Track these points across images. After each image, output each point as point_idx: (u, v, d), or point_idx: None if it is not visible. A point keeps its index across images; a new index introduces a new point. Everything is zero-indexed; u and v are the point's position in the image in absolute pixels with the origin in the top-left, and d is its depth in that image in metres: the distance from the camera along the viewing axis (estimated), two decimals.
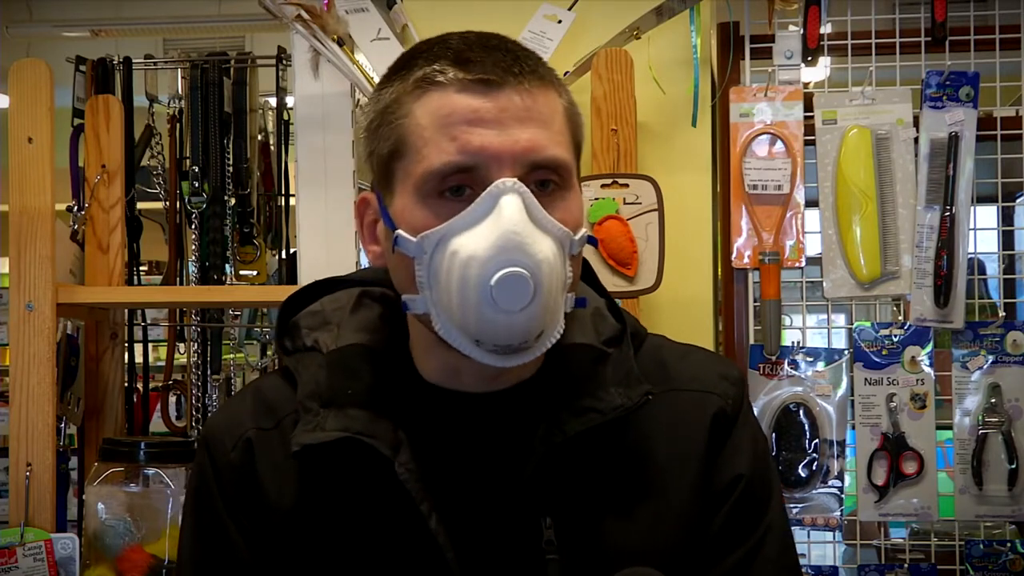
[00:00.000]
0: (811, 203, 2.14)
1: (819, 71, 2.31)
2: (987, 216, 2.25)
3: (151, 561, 1.80)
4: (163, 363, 2.81)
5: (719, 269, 2.27)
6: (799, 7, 2.13)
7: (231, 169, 2.49)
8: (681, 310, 2.18)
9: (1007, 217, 2.43)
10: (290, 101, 2.37)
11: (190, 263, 2.54)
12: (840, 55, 2.19)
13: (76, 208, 2.11)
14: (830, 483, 2.10)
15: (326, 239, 2.02)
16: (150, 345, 2.64)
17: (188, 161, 2.53)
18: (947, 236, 2.07)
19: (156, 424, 2.65)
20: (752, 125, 2.13)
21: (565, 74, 2.09)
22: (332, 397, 1.11)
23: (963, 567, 2.11)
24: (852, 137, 2.11)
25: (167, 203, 2.56)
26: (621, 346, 1.14)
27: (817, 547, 2.22)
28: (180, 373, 2.76)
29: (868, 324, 2.12)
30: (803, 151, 2.13)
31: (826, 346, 2.16)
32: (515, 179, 1.01)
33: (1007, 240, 2.47)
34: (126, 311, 2.36)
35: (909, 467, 2.10)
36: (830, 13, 2.17)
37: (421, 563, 1.07)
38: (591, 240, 1.10)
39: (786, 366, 2.12)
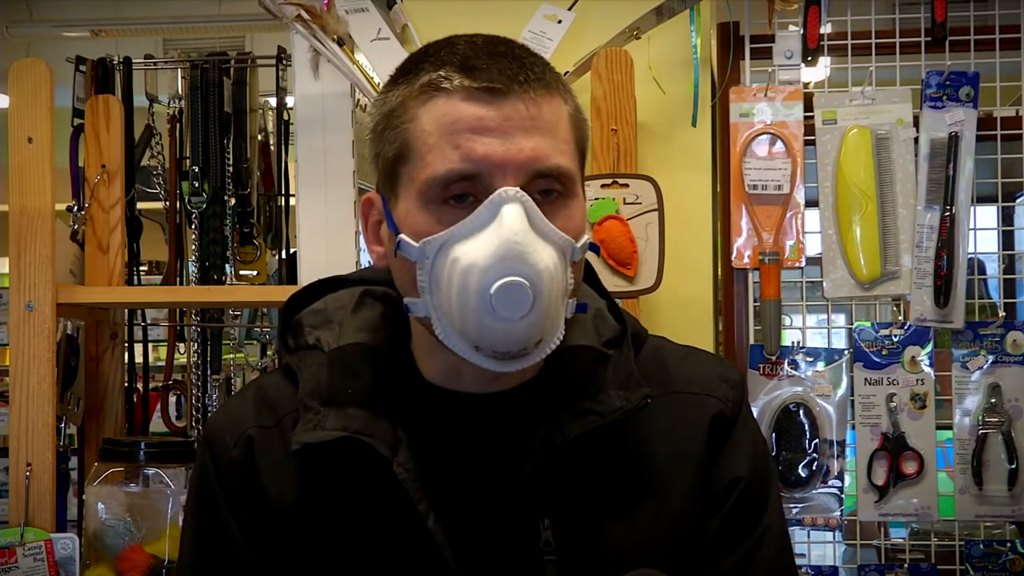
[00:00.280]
0: (811, 203, 2.14)
1: (819, 71, 2.31)
2: (987, 216, 2.25)
3: (151, 561, 1.80)
4: (163, 363, 2.81)
5: (719, 269, 2.27)
6: (799, 7, 2.13)
7: (231, 169, 2.49)
8: (681, 310, 2.18)
9: (1007, 217, 2.43)
10: (290, 101, 2.37)
11: (190, 263, 2.54)
12: (840, 55, 2.19)
13: (76, 208, 2.11)
14: (830, 483, 2.10)
15: (326, 239, 2.02)
16: (150, 345, 2.64)
17: (188, 161, 2.53)
18: (947, 236, 2.07)
19: (156, 424, 2.65)
20: (752, 125, 2.13)
21: (565, 74, 2.09)
22: (332, 396, 1.11)
23: (963, 567, 2.11)
24: (852, 137, 2.11)
25: (167, 203, 2.57)
26: (621, 348, 1.15)
27: (817, 547, 2.22)
28: (180, 373, 2.76)
29: (868, 324, 2.12)
30: (803, 151, 2.13)
31: (826, 346, 2.15)
32: (517, 188, 1.02)
33: (1007, 240, 2.47)
34: (126, 311, 2.36)
35: (909, 467, 2.10)
36: (830, 13, 2.17)
37: (419, 562, 1.08)
38: (593, 247, 1.11)
39: (786, 366, 2.12)
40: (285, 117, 2.61)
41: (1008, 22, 2.16)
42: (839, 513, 2.11)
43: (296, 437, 1.10)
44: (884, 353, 2.11)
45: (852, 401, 2.12)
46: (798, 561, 2.15)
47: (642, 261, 1.97)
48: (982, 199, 2.14)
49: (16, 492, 1.83)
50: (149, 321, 2.64)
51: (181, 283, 2.57)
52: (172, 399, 2.72)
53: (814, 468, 2.10)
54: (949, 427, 2.14)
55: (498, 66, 1.05)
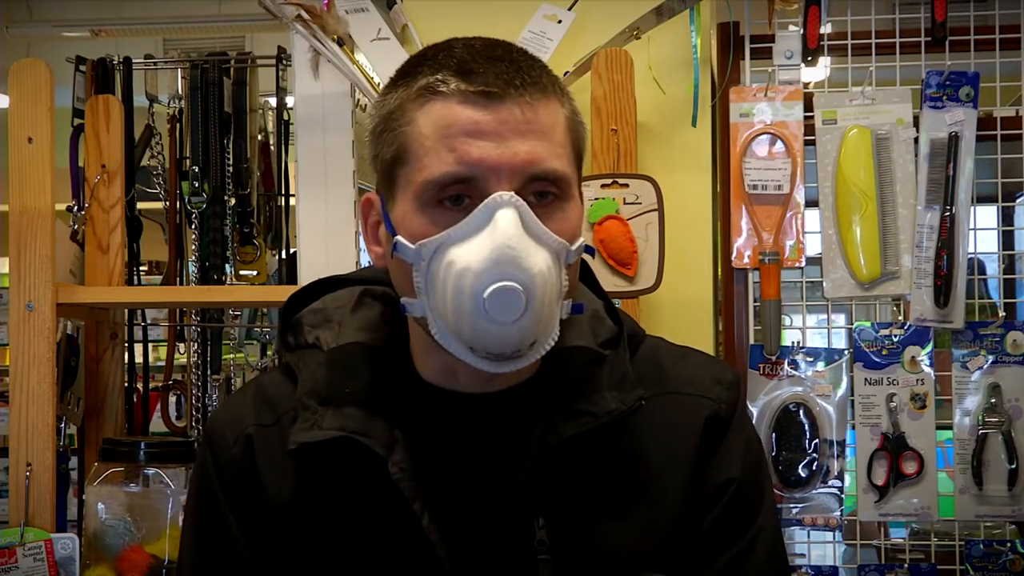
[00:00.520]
0: (811, 203, 2.14)
1: (819, 71, 2.31)
2: (987, 216, 2.25)
3: (151, 561, 1.80)
4: (163, 363, 2.81)
5: (719, 269, 2.27)
6: (799, 7, 2.13)
7: (231, 169, 2.49)
8: (681, 310, 2.18)
9: (1007, 217, 2.43)
10: (290, 101, 2.37)
11: (190, 263, 2.54)
12: (840, 55, 2.19)
13: (76, 208, 2.11)
14: (830, 483, 2.10)
15: (326, 239, 2.02)
16: (150, 345, 2.64)
17: (188, 161, 2.53)
18: (947, 236, 2.07)
19: (156, 424, 2.65)
20: (752, 125, 2.13)
21: (565, 74, 2.09)
22: (330, 395, 1.12)
23: (963, 567, 2.11)
24: (852, 137, 2.11)
25: (167, 203, 2.57)
26: (617, 349, 1.15)
27: (817, 547, 2.22)
28: (180, 373, 2.76)
29: (868, 324, 2.12)
30: (803, 151, 2.13)
31: (826, 346, 2.15)
32: (512, 192, 1.03)
33: (1007, 240, 2.47)
34: (126, 311, 2.37)
35: (909, 467, 2.10)
36: (830, 13, 2.17)
37: (414, 561, 1.09)
38: (588, 249, 1.11)
39: (786, 366, 2.12)
40: (285, 117, 2.61)
41: (1008, 22, 2.16)
42: (839, 513, 2.11)
43: (293, 436, 1.11)
44: (884, 353, 2.11)
45: (852, 401, 2.12)
46: (798, 561, 2.17)
47: (642, 261, 1.97)
48: (982, 199, 2.14)
49: (16, 492, 1.83)
50: (149, 321, 2.64)
51: (181, 283, 2.57)
52: (172, 399, 2.72)
53: (814, 468, 2.10)
54: (949, 427, 2.14)
55: (495, 70, 1.05)
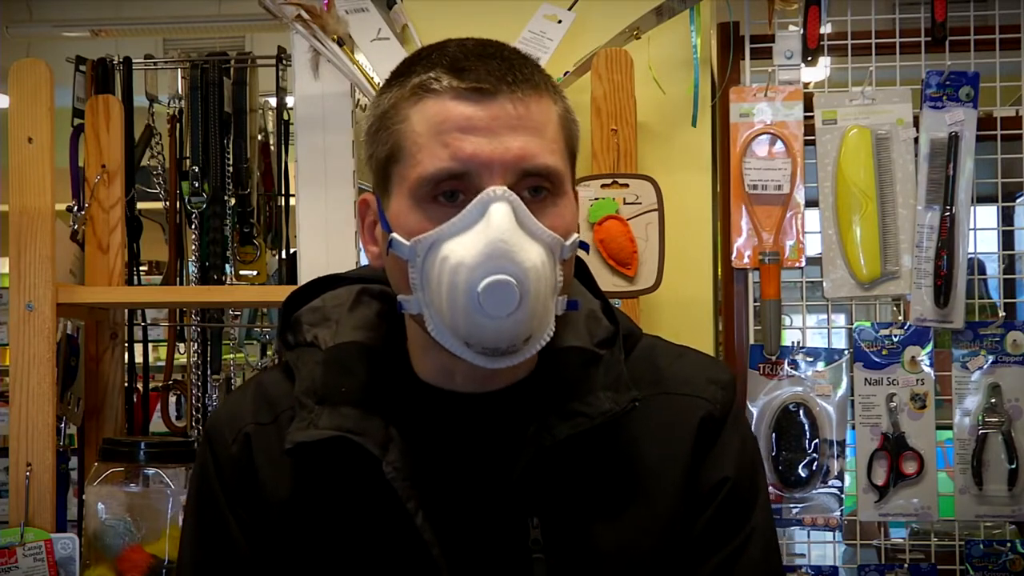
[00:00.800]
0: (811, 203, 2.14)
1: (819, 71, 2.31)
2: (987, 216, 2.25)
3: (151, 561, 1.80)
4: (163, 363, 2.81)
5: (719, 269, 2.27)
6: (799, 7, 2.13)
7: (231, 169, 2.49)
8: (681, 310, 2.18)
9: (1007, 217, 2.43)
10: (290, 101, 2.37)
11: (190, 263, 2.54)
12: (840, 55, 2.18)
13: (76, 208, 2.11)
14: (830, 483, 2.10)
15: (326, 239, 2.02)
16: (150, 345, 2.64)
17: (188, 161, 2.53)
18: (947, 236, 2.07)
19: (156, 424, 2.66)
20: (752, 125, 2.13)
21: (565, 74, 2.08)
22: (327, 394, 1.13)
23: (963, 567, 2.11)
24: (852, 137, 2.11)
25: (167, 203, 2.57)
26: (613, 349, 1.16)
27: (817, 547, 2.22)
28: (180, 373, 2.76)
29: (868, 324, 2.12)
30: (803, 151, 2.13)
31: (826, 346, 2.15)
32: (505, 187, 1.03)
33: (1007, 240, 2.46)
34: (126, 311, 2.37)
35: (909, 467, 2.09)
36: (830, 13, 2.17)
37: (409, 559, 1.09)
38: (583, 245, 1.12)
39: (786, 366, 2.12)
40: (285, 117, 2.61)
41: (1008, 22, 2.16)
42: (839, 513, 2.11)
43: (290, 436, 1.12)
44: (884, 353, 2.11)
45: (852, 401, 2.12)
46: (798, 561, 2.17)
47: (642, 261, 1.97)
48: (982, 199, 2.14)
49: (16, 492, 1.83)
50: (149, 321, 2.64)
51: (181, 283, 2.57)
52: (172, 399, 2.72)
53: (814, 468, 2.10)
54: (949, 427, 2.14)
55: (487, 67, 1.06)
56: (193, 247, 2.54)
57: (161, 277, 2.81)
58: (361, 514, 1.12)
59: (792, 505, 2.10)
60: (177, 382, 2.70)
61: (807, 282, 2.17)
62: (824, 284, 2.13)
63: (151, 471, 1.83)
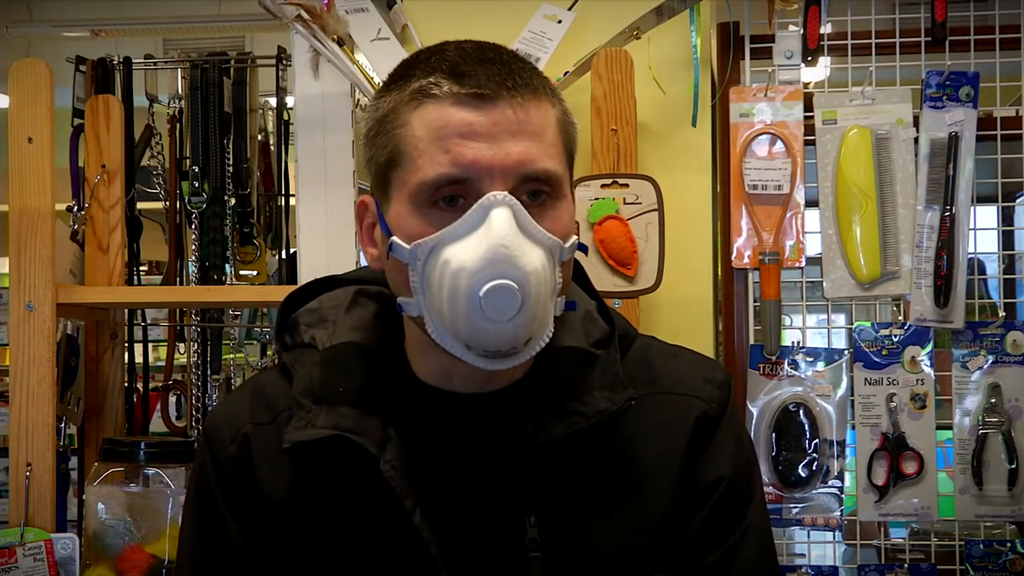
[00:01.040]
0: (811, 203, 2.14)
1: (819, 71, 2.31)
2: (987, 216, 2.25)
3: (151, 561, 1.81)
4: (163, 363, 2.81)
5: (719, 269, 2.27)
6: (799, 7, 2.13)
7: (231, 169, 2.49)
8: (681, 310, 2.18)
9: (1007, 217, 2.43)
10: (290, 101, 2.37)
11: (190, 263, 2.54)
12: (840, 55, 2.18)
13: (76, 208, 2.11)
14: (830, 483, 2.10)
15: (326, 239, 2.02)
16: (150, 345, 2.64)
17: (188, 161, 2.53)
18: (947, 236, 2.07)
19: (156, 424, 2.66)
20: (752, 125, 2.13)
21: (565, 74, 2.08)
22: (324, 394, 1.13)
23: (963, 567, 2.11)
24: (852, 137, 2.11)
25: (167, 203, 2.57)
26: (609, 349, 1.16)
27: (817, 547, 2.22)
28: (180, 373, 2.76)
29: (868, 324, 2.12)
30: (803, 151, 2.13)
31: (826, 346, 2.15)
32: (506, 192, 1.04)
33: (1007, 240, 2.46)
34: (126, 311, 2.37)
35: (909, 467, 2.09)
36: (830, 13, 2.17)
37: (407, 557, 1.10)
38: (581, 247, 1.13)
39: (786, 366, 2.12)
40: (285, 117, 2.61)
41: (1008, 22, 2.16)
42: (839, 513, 2.11)
43: (288, 435, 1.12)
44: (884, 353, 2.11)
45: (852, 401, 2.12)
46: (798, 561, 2.17)
47: (642, 261, 1.97)
48: (982, 199, 2.14)
49: (16, 492, 1.83)
50: (149, 321, 2.64)
51: (181, 283, 2.57)
52: (172, 399, 2.72)
53: (814, 468, 2.10)
54: (949, 427, 2.14)
55: (486, 72, 1.06)
56: (193, 247, 2.54)
57: (161, 277, 2.81)
58: (359, 513, 1.12)
59: (792, 505, 2.10)
60: (177, 382, 2.70)
61: (807, 282, 2.17)
62: (824, 284, 2.13)
63: (151, 471, 1.83)
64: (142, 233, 2.56)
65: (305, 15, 1.91)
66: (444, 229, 1.04)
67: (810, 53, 2.13)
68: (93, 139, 2.12)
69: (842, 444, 2.11)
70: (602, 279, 1.96)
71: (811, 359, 2.12)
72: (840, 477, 2.11)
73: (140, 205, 2.54)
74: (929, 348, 2.10)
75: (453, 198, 1.06)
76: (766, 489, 2.08)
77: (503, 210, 1.03)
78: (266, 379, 1.23)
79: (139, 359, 2.57)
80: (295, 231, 2.12)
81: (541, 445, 1.09)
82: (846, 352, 2.13)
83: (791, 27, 2.15)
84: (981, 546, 2.10)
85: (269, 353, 2.75)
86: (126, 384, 2.34)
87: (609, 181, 1.98)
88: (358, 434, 1.10)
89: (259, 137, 2.61)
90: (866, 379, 2.11)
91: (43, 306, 1.86)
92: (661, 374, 1.20)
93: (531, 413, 1.12)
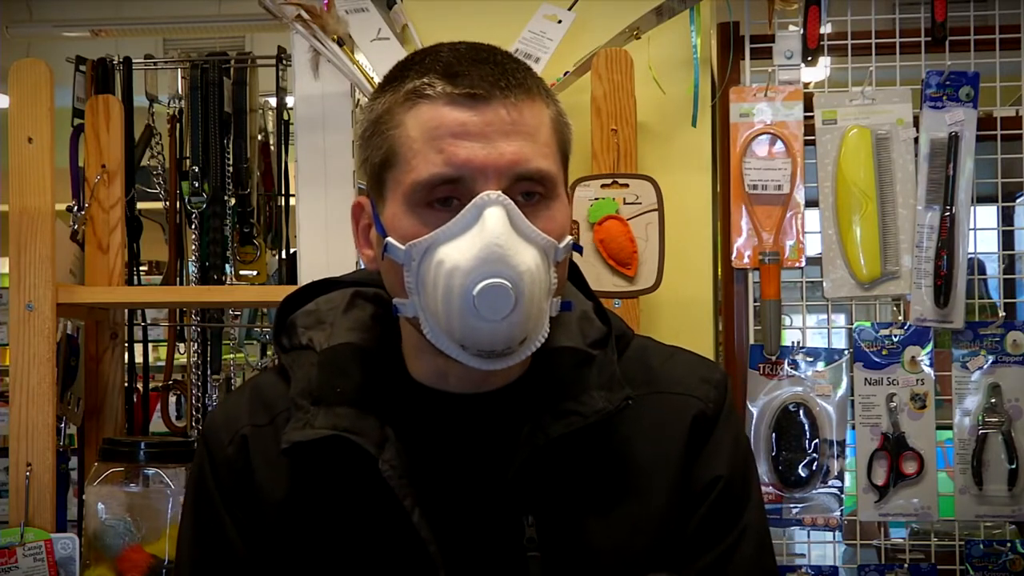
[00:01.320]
0: (811, 203, 2.14)
1: (819, 71, 2.31)
2: (987, 216, 2.25)
3: (151, 561, 1.81)
4: (163, 363, 2.81)
5: (719, 269, 2.27)
6: (799, 7, 2.13)
7: (231, 169, 2.49)
8: (681, 310, 2.18)
9: (1007, 217, 2.43)
10: (290, 101, 2.37)
11: (190, 263, 2.54)
12: (840, 55, 2.18)
13: (76, 208, 2.11)
14: (830, 483, 2.10)
15: (326, 239, 2.02)
16: (150, 345, 2.64)
17: (188, 161, 2.53)
18: (947, 236, 2.07)
19: (156, 424, 2.66)
20: (752, 125, 2.13)
21: (565, 74, 2.09)
22: (322, 395, 1.13)
23: (963, 567, 2.11)
24: (852, 137, 2.11)
25: (167, 203, 2.57)
26: (606, 349, 1.17)
27: (817, 547, 2.22)
28: (180, 373, 2.76)
29: (868, 324, 2.12)
30: (803, 151, 2.13)
31: (826, 346, 2.15)
32: (499, 191, 1.04)
33: (1007, 240, 2.47)
34: (126, 311, 2.36)
35: (909, 467, 2.10)
36: (830, 13, 2.17)
37: (406, 557, 1.10)
38: (576, 247, 1.13)
39: (786, 366, 2.12)
40: (285, 117, 2.61)
41: (1008, 22, 2.16)
42: (839, 513, 2.11)
43: (286, 436, 1.12)
44: (884, 353, 2.11)
45: (852, 401, 2.12)
46: (798, 561, 2.17)
47: (642, 261, 1.97)
48: (982, 199, 2.14)
49: (16, 492, 1.83)
50: (149, 321, 2.64)
51: (181, 283, 2.57)
52: (172, 399, 2.72)
53: (814, 468, 2.10)
54: (949, 427, 2.14)
55: (480, 72, 1.07)
56: (193, 247, 2.54)
57: (161, 277, 2.81)
58: (358, 513, 1.12)
59: (792, 505, 2.10)
60: (177, 382, 2.70)
61: (807, 282, 2.17)
62: (824, 284, 2.13)
63: (151, 471, 1.83)
64: (142, 233, 2.56)
65: (305, 15, 1.91)
66: (438, 229, 1.05)
67: (810, 53, 2.13)
68: (93, 139, 2.12)
69: (842, 444, 2.11)
70: (602, 279, 1.96)
71: (811, 359, 2.12)
72: (840, 477, 2.11)
73: (140, 205, 2.54)
74: (929, 348, 2.10)
75: (447, 198, 1.06)
76: (766, 489, 2.08)
77: (496, 209, 1.03)
78: (264, 381, 1.24)
79: (139, 359, 2.57)
80: (295, 231, 2.12)
81: (539, 445, 1.10)
82: (846, 352, 2.13)
83: (791, 27, 2.15)
84: (981, 546, 2.10)
85: (269, 353, 2.75)
86: (126, 384, 2.34)
87: (609, 181, 1.98)
88: (356, 434, 1.10)
89: (259, 137, 2.61)
90: (866, 379, 2.11)
91: (43, 306, 1.86)
92: (658, 374, 1.20)
93: (528, 413, 1.12)
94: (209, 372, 2.56)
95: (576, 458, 1.12)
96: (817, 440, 2.10)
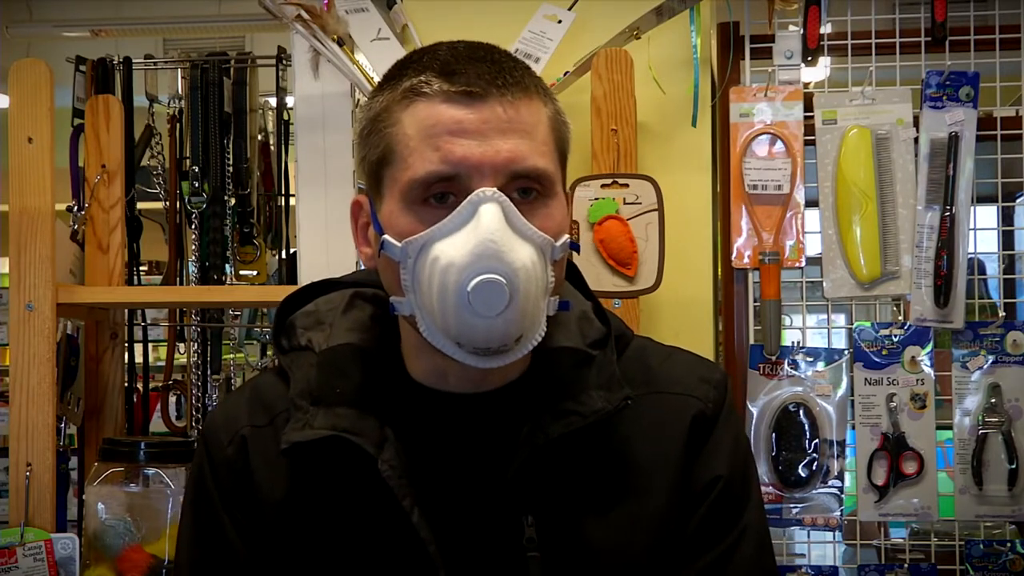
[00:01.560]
0: (811, 203, 2.14)
1: (819, 71, 2.31)
2: (987, 216, 2.25)
3: (151, 561, 1.81)
4: (163, 363, 2.81)
5: (719, 269, 2.27)
6: (799, 7, 2.13)
7: (231, 169, 2.49)
8: (681, 310, 2.18)
9: (1007, 217, 2.43)
10: (290, 101, 2.37)
11: (190, 263, 2.54)
12: (840, 55, 2.18)
13: (76, 208, 2.11)
14: (830, 483, 2.10)
15: (326, 239, 2.02)
16: (150, 345, 2.64)
17: (188, 161, 2.53)
18: (947, 236, 2.07)
19: (156, 424, 2.66)
20: (752, 125, 2.13)
21: (565, 74, 2.09)
22: (321, 395, 1.14)
23: (963, 567, 2.11)
24: (852, 137, 2.11)
25: (167, 203, 2.57)
26: (605, 349, 1.16)
27: (817, 547, 2.22)
28: (180, 373, 2.76)
29: (868, 324, 2.12)
30: (803, 151, 2.13)
31: (826, 346, 2.15)
32: (495, 189, 1.04)
33: (1007, 240, 2.46)
34: (126, 311, 2.37)
35: (909, 467, 2.10)
36: (830, 13, 2.17)
37: (405, 556, 1.10)
38: (574, 246, 1.13)
39: (786, 366, 2.12)
40: (285, 117, 2.61)
41: (1008, 22, 2.16)
42: (839, 513, 2.11)
43: (285, 436, 1.12)
44: (884, 353, 2.11)
45: (852, 401, 2.12)
46: (798, 561, 2.17)
47: (642, 261, 1.97)
48: (982, 199, 2.14)
49: (16, 492, 1.83)
50: (149, 321, 2.64)
51: (181, 283, 2.57)
52: (172, 399, 2.72)
53: (814, 468, 2.10)
54: (949, 427, 2.14)
55: (476, 70, 1.07)
56: (193, 247, 2.54)
57: (161, 277, 2.81)
58: (357, 513, 1.12)
59: (792, 505, 2.10)
60: (177, 382, 2.70)
61: (807, 282, 2.17)
62: (824, 284, 2.13)
63: (151, 471, 1.83)
64: (142, 233, 2.56)
65: (305, 15, 1.91)
66: (434, 226, 1.05)
67: (810, 53, 2.13)
68: (93, 139, 2.12)
69: (842, 444, 2.11)
70: (602, 279, 1.96)
71: (811, 359, 2.12)
72: (840, 477, 2.11)
73: (140, 205, 2.54)
74: (929, 348, 2.10)
75: (443, 195, 1.06)
76: (766, 489, 2.08)
77: (492, 206, 1.03)
78: (264, 381, 1.24)
79: (139, 359, 2.57)
80: (295, 231, 2.12)
81: (538, 445, 1.10)
82: (846, 352, 2.13)
83: (791, 27, 2.15)
84: (981, 546, 2.10)
85: (269, 353, 2.75)
86: (126, 384, 2.34)
87: (609, 181, 1.98)
88: (356, 434, 1.10)
89: (259, 137, 2.61)
90: (866, 379, 2.11)
91: (43, 306, 1.86)
92: (657, 374, 1.20)
93: (527, 413, 1.12)
94: (209, 372, 2.56)
95: (576, 458, 1.12)
96: (817, 440, 2.10)
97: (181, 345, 2.71)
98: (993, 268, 2.28)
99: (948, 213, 2.07)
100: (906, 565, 2.11)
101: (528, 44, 2.03)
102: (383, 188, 1.10)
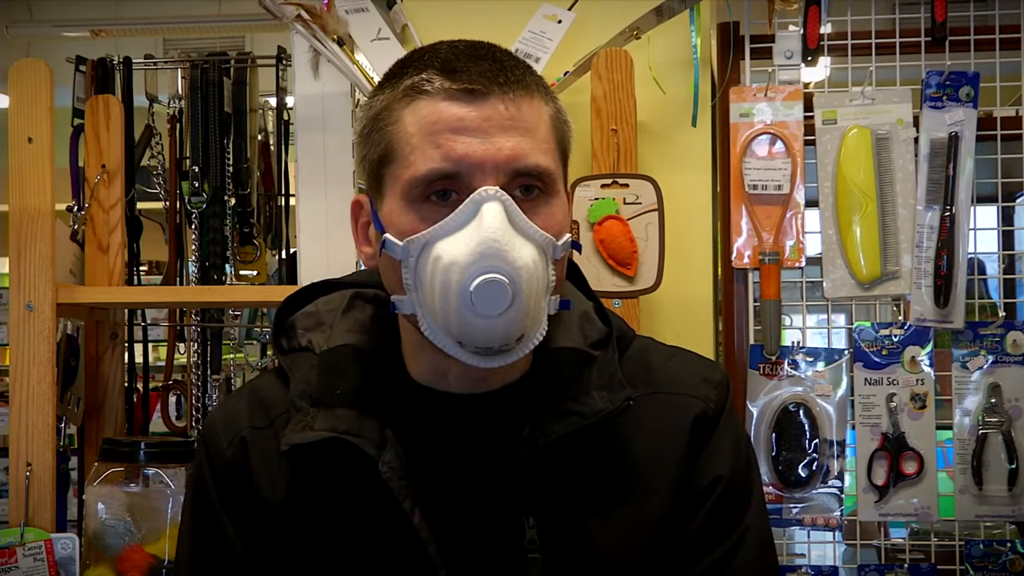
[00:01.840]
0: (811, 203, 2.14)
1: (819, 71, 2.31)
2: (987, 216, 2.25)
3: (151, 561, 1.81)
4: (163, 363, 2.81)
5: (719, 269, 2.27)
6: (799, 7, 2.13)
7: (231, 169, 2.49)
8: (681, 310, 2.18)
9: (1007, 217, 2.43)
10: (290, 101, 2.37)
11: (190, 263, 2.54)
12: (840, 55, 2.19)
13: (76, 208, 2.11)
14: (830, 483, 2.10)
15: (326, 239, 2.02)
16: (150, 345, 2.64)
17: (188, 161, 2.53)
18: (947, 236, 2.07)
19: (156, 424, 2.65)
20: (752, 125, 2.13)
21: (565, 74, 2.09)
22: (321, 397, 1.13)
23: (963, 567, 2.11)
24: (852, 137, 2.11)
25: (167, 203, 2.56)
26: (606, 350, 1.16)
27: (817, 547, 2.22)
28: (180, 373, 2.76)
29: (868, 324, 2.12)
30: (803, 151, 2.13)
31: (826, 346, 2.15)
32: (497, 187, 1.04)
33: (1007, 240, 2.46)
34: (126, 311, 2.37)
35: (909, 467, 2.10)
36: (830, 13, 2.17)
37: (406, 557, 1.10)
38: (575, 245, 1.13)
39: (786, 366, 2.12)
40: (285, 117, 2.61)
41: (1008, 22, 2.16)
42: (839, 513, 2.11)
43: (285, 438, 1.12)
44: (884, 353, 2.11)
45: (852, 401, 2.12)
46: (798, 561, 2.17)
47: (642, 261, 1.97)
48: (982, 199, 2.14)
49: (16, 492, 1.83)
50: (149, 321, 2.64)
51: (181, 283, 2.57)
52: (172, 399, 2.72)
53: (814, 468, 2.10)
54: (949, 427, 2.14)
55: (478, 68, 1.07)
56: (193, 247, 2.54)
57: (161, 277, 2.80)
58: (357, 514, 1.12)
59: (792, 505, 2.10)
60: (177, 382, 2.70)
61: (807, 282, 2.17)
62: (824, 284, 2.13)
63: (151, 471, 1.83)
64: (142, 233, 2.55)
65: (305, 15, 1.91)
66: (435, 225, 1.04)
67: (810, 53, 2.13)
68: (93, 139, 2.12)
69: (842, 444, 2.11)
70: (602, 279, 1.96)
71: (811, 359, 2.12)
72: (840, 477, 2.11)
73: (140, 205, 2.53)
74: (929, 348, 2.10)
75: (445, 193, 1.06)
76: (766, 489, 2.08)
77: (494, 204, 1.03)
78: (263, 383, 1.23)
79: (139, 359, 2.57)
80: (295, 231, 2.12)
81: (539, 446, 1.09)
82: (846, 352, 2.13)
83: (791, 27, 2.15)
84: (981, 546, 2.10)
85: (269, 353, 2.74)
86: (126, 384, 2.34)
87: (609, 181, 1.98)
88: (356, 436, 1.10)
89: (259, 137, 2.61)
90: (866, 379, 2.11)
91: (43, 306, 1.86)
92: (659, 374, 1.20)
93: (528, 413, 1.11)
94: (209, 372, 2.56)
95: (577, 459, 1.12)
96: (817, 440, 2.10)
97: (181, 345, 2.70)
98: (993, 268, 2.28)
99: (948, 213, 2.07)
100: (906, 565, 2.11)
101: (528, 44, 2.03)
102: (384, 187, 1.10)
